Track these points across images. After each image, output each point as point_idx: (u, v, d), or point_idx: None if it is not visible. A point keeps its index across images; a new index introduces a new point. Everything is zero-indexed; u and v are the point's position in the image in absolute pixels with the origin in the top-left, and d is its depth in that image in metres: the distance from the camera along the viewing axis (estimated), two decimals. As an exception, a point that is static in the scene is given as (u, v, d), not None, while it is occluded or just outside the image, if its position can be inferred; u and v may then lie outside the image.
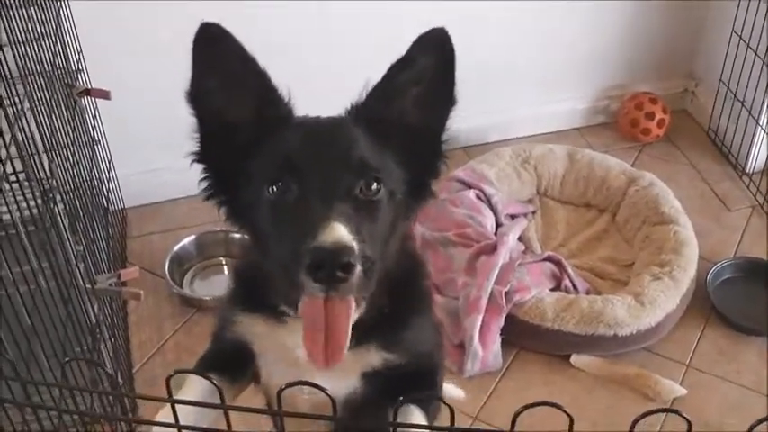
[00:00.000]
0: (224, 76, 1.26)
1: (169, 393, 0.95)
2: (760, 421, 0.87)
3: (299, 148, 1.24)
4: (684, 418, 0.95)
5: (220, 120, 1.28)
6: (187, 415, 0.98)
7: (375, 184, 1.23)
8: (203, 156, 1.31)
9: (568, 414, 0.94)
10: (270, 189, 1.22)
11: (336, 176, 1.20)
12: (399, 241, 1.35)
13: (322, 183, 1.19)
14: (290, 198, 1.21)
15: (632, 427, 0.91)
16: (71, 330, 2.13)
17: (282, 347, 1.35)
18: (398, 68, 1.27)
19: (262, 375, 1.44)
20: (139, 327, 3.02)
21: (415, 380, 1.39)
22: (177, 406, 1.01)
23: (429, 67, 1.27)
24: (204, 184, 1.32)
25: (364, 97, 1.31)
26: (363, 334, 1.31)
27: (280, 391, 0.90)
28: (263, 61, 1.28)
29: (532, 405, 0.94)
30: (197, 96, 1.27)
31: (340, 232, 1.11)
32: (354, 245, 1.11)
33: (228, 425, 0.95)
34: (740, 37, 3.48)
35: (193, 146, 1.30)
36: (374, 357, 1.36)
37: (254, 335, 1.39)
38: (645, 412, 0.93)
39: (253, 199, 1.26)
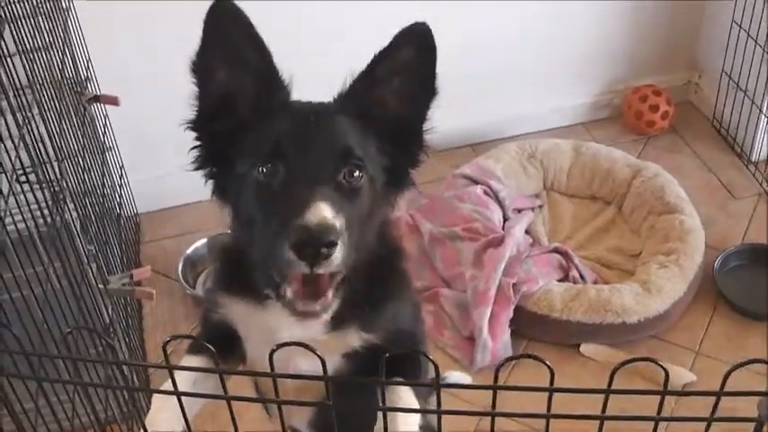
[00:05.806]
0: (230, 53, 1.31)
1: (166, 360, 0.99)
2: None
3: (290, 134, 1.30)
4: (660, 366, 0.98)
5: (220, 94, 1.34)
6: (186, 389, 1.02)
7: (358, 171, 1.30)
8: (198, 126, 1.36)
9: (549, 367, 0.98)
10: (259, 170, 1.28)
11: (322, 162, 1.27)
12: (378, 227, 1.41)
13: (308, 168, 1.26)
14: (277, 180, 1.27)
15: (612, 374, 0.95)
16: (85, 330, 2.18)
17: (265, 330, 1.38)
18: (381, 58, 1.33)
19: (247, 357, 1.48)
20: (155, 329, 3.07)
21: (398, 357, 1.43)
22: (177, 379, 1.05)
23: (410, 58, 1.33)
24: (195, 154, 1.37)
25: (348, 86, 1.37)
26: (342, 317, 1.36)
27: (272, 353, 0.94)
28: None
29: (516, 357, 0.98)
30: (201, 68, 1.32)
31: (325, 212, 1.17)
32: (337, 223, 1.17)
33: (225, 389, 0.99)
34: (740, 26, 3.50)
35: (190, 114, 1.35)
36: (354, 338, 1.41)
37: (237, 317, 1.44)
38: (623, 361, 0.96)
39: (242, 176, 1.31)
